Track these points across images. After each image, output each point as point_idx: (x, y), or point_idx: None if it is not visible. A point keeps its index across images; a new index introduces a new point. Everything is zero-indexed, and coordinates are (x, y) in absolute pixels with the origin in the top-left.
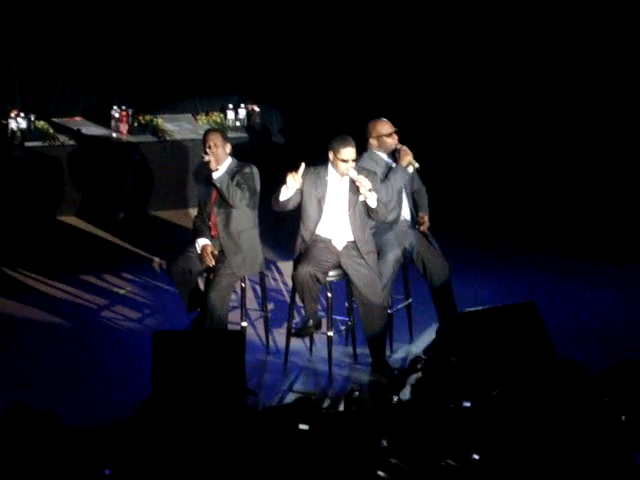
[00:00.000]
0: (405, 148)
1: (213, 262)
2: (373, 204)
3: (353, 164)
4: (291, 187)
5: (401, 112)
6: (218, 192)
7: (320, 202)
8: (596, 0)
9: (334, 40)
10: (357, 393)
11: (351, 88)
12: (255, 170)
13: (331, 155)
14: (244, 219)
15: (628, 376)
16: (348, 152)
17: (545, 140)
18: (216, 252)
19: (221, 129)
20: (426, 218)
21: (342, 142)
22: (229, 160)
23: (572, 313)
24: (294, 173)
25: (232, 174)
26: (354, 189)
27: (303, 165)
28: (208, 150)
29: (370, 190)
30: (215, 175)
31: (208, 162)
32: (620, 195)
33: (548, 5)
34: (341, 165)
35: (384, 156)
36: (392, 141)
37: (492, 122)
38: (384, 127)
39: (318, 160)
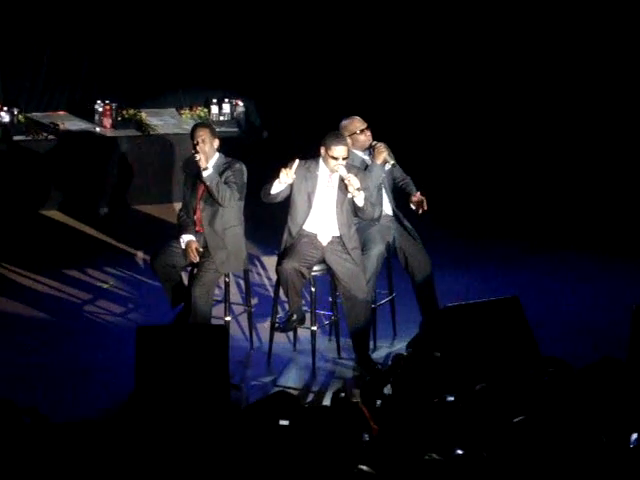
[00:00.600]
0: (380, 145)
1: (197, 259)
2: (360, 203)
3: (344, 162)
4: (283, 182)
5: (385, 107)
6: (207, 190)
7: (310, 196)
8: (596, 0)
9: (319, 34)
10: (343, 394)
11: (336, 83)
12: (243, 167)
13: (323, 150)
14: (230, 216)
15: (609, 373)
16: (339, 150)
17: (528, 134)
18: (200, 249)
19: (209, 123)
20: (419, 196)
21: (335, 139)
22: (217, 155)
23: (555, 308)
24: (288, 169)
25: (221, 171)
26: (343, 186)
27: (297, 161)
28: (196, 146)
29: (358, 189)
30: (205, 174)
31: (198, 160)
32: (605, 190)
33: (547, 5)
34: (331, 162)
35: (360, 153)
36: (365, 138)
37: (476, 116)
38: (355, 124)
39: (301, 154)
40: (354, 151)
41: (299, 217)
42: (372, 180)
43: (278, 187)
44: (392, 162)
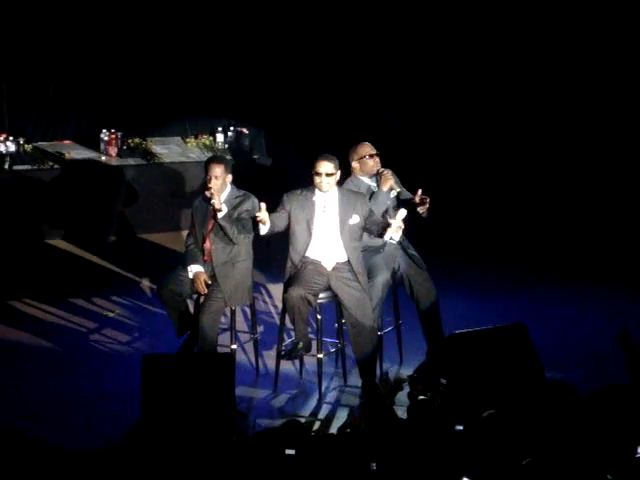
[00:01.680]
0: (386, 172)
1: (206, 290)
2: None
3: (330, 180)
4: (265, 223)
5: (387, 137)
6: (220, 228)
7: (309, 224)
8: (596, 0)
9: (323, 64)
10: (348, 430)
11: (340, 112)
12: (255, 202)
13: (312, 172)
14: (240, 250)
15: (613, 400)
16: (322, 165)
17: (530, 161)
18: (209, 280)
19: (223, 158)
20: (420, 194)
21: (319, 157)
22: (228, 189)
23: (560, 334)
24: (259, 213)
25: (233, 205)
26: (344, 209)
27: (264, 205)
28: (209, 181)
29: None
30: (220, 215)
31: (212, 202)
32: (610, 217)
33: (539, 9)
34: (315, 179)
35: (366, 180)
36: (373, 163)
37: (477, 142)
38: (365, 149)
39: (306, 183)
40: (360, 178)
41: (300, 246)
42: (377, 206)
43: (264, 229)
44: (398, 190)
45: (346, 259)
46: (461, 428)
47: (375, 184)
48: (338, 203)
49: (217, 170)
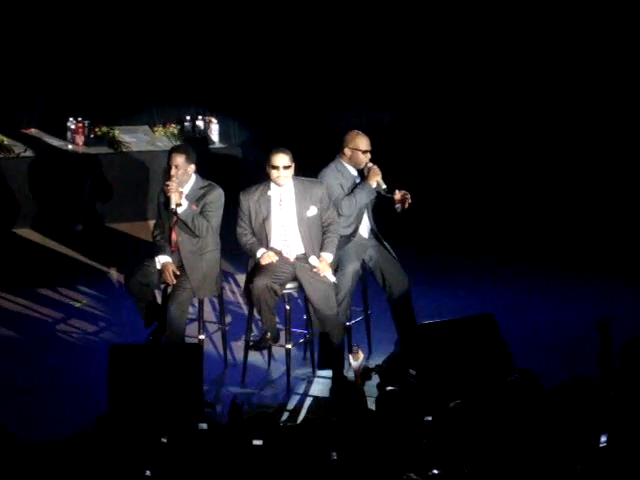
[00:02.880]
0: (375, 167)
1: (174, 281)
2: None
3: (287, 172)
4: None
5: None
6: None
7: (266, 221)
8: (596, 0)
9: (294, 54)
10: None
11: (311, 101)
12: (220, 193)
13: (267, 167)
14: (207, 240)
15: (580, 391)
16: (278, 158)
17: (502, 153)
18: (177, 271)
19: (186, 148)
20: (399, 193)
21: (273, 150)
22: (193, 179)
23: (528, 324)
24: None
25: (197, 196)
26: (300, 201)
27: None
28: (170, 170)
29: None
30: (180, 210)
31: (170, 195)
32: (579, 209)
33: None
34: (273, 173)
35: (351, 170)
36: (364, 158)
37: (454, 136)
38: (362, 142)
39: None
40: (346, 165)
41: (261, 242)
42: (361, 197)
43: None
44: (384, 187)
45: (303, 251)
46: (430, 419)
47: (358, 175)
48: (294, 196)
49: (178, 159)
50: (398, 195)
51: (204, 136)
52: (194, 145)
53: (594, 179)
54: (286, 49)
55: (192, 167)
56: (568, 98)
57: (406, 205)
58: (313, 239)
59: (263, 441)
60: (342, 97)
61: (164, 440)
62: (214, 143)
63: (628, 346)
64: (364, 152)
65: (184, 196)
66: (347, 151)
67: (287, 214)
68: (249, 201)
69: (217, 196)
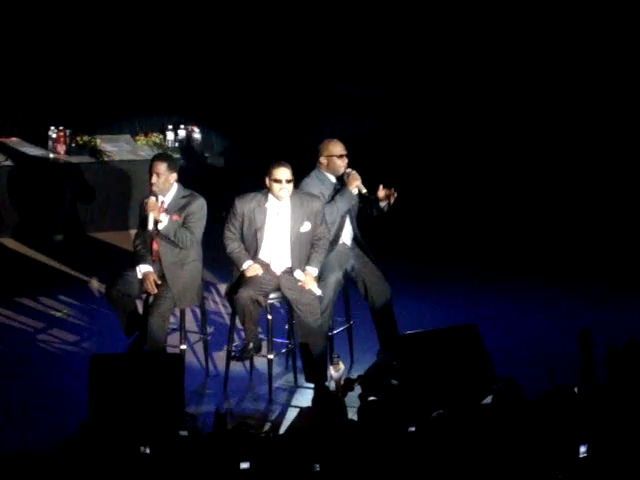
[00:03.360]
0: (354, 172)
1: (155, 290)
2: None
3: (290, 186)
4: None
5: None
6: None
7: (259, 232)
8: (596, 0)
9: (278, 64)
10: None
11: (294, 112)
12: (203, 203)
13: (267, 180)
14: (189, 251)
15: (561, 401)
16: (281, 172)
17: (483, 161)
18: (158, 281)
19: (168, 156)
20: (384, 189)
21: (275, 163)
22: (175, 189)
23: (511, 334)
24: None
25: (179, 206)
26: (296, 216)
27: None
28: (150, 178)
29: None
30: (160, 226)
31: (149, 212)
32: (561, 220)
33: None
34: (275, 186)
35: (331, 177)
36: (341, 163)
37: (437, 148)
38: (336, 148)
39: (257, 182)
40: (325, 174)
41: (250, 252)
42: (342, 204)
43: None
44: (364, 191)
45: (290, 265)
46: (413, 429)
47: (339, 182)
48: (291, 210)
49: (160, 167)
50: (382, 193)
51: (186, 145)
52: (176, 154)
53: (576, 191)
54: (267, 60)
55: (174, 176)
56: (556, 116)
57: (392, 201)
58: (302, 254)
59: (245, 453)
60: (324, 107)
61: (147, 450)
62: (196, 152)
63: (624, 351)
64: (340, 157)
65: (165, 207)
66: (323, 160)
67: (281, 228)
68: (244, 208)
69: (199, 206)
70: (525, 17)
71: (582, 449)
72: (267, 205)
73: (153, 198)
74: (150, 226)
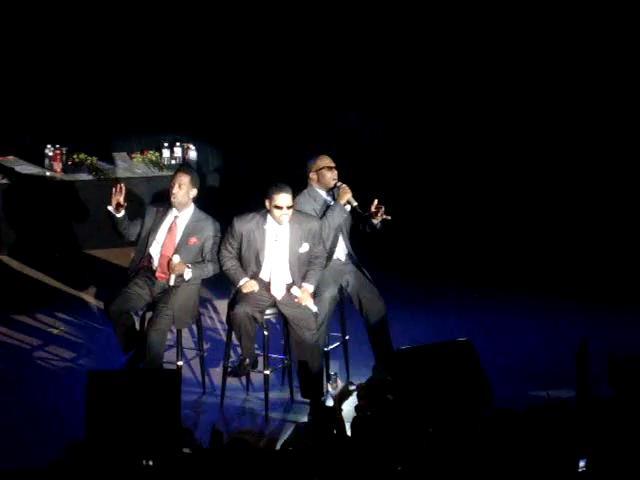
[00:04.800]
0: (345, 186)
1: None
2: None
3: (289, 211)
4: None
5: (340, 154)
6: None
7: (259, 255)
8: (596, 0)
9: (273, 80)
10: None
11: (290, 128)
12: (219, 227)
13: (267, 203)
14: None
15: (555, 417)
16: (282, 198)
17: (478, 176)
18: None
19: (193, 171)
20: (375, 204)
21: (276, 189)
22: (192, 208)
23: (506, 349)
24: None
25: (196, 230)
26: (295, 237)
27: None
28: (172, 188)
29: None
30: (187, 277)
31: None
32: (557, 234)
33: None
34: (276, 212)
35: (323, 193)
36: (331, 175)
37: (427, 158)
38: (324, 161)
39: (253, 200)
40: (317, 190)
41: (248, 272)
42: (334, 219)
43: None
44: (355, 204)
45: (290, 282)
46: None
47: (331, 198)
48: (289, 231)
49: (184, 179)
50: (372, 208)
51: (182, 163)
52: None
53: (572, 206)
54: (262, 78)
55: (194, 191)
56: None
57: (380, 215)
58: (300, 273)
59: (241, 468)
60: (318, 123)
61: (150, 463)
62: (195, 171)
63: (623, 364)
64: (329, 169)
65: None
66: (313, 175)
67: (280, 249)
68: (242, 228)
69: (218, 232)
70: (525, 17)
71: (581, 463)
72: (266, 227)
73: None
74: (172, 282)
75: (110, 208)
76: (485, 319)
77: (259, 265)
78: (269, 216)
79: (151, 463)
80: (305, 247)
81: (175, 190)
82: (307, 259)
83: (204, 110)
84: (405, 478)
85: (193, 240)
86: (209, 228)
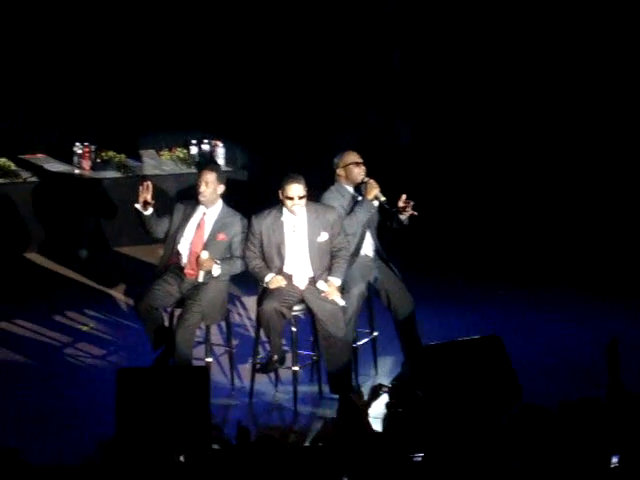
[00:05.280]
0: (372, 181)
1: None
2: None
3: (303, 201)
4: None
5: (365, 148)
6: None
7: (280, 247)
8: (596, 0)
9: (299, 76)
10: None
11: (316, 124)
12: (246, 223)
13: (280, 194)
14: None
15: (587, 412)
16: (293, 189)
17: (504, 170)
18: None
19: (217, 167)
20: (404, 198)
21: (287, 179)
22: (220, 204)
23: (535, 345)
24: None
25: (225, 226)
26: (312, 227)
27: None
28: (199, 187)
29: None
30: (215, 274)
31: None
32: (587, 228)
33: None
34: (288, 203)
35: (350, 189)
36: (359, 171)
37: (456, 154)
38: (351, 157)
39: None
40: (345, 186)
41: (272, 267)
42: (361, 215)
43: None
44: (383, 199)
45: (312, 275)
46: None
47: (358, 194)
48: (307, 221)
49: (210, 177)
50: (400, 203)
51: (209, 160)
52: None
53: (603, 197)
54: (291, 73)
55: (221, 187)
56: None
57: (408, 210)
58: (322, 264)
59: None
60: (347, 118)
61: (181, 459)
62: (220, 166)
63: None
64: (357, 164)
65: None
66: (340, 172)
67: (299, 240)
68: (261, 226)
69: (244, 227)
70: (525, 18)
71: (614, 459)
72: (283, 219)
73: (208, 191)
74: (201, 279)
75: (138, 206)
76: (513, 315)
77: (282, 258)
78: (285, 208)
79: (182, 459)
80: (324, 236)
81: (202, 189)
82: (328, 250)
83: (232, 107)
84: (433, 473)
85: (221, 236)
86: (237, 224)
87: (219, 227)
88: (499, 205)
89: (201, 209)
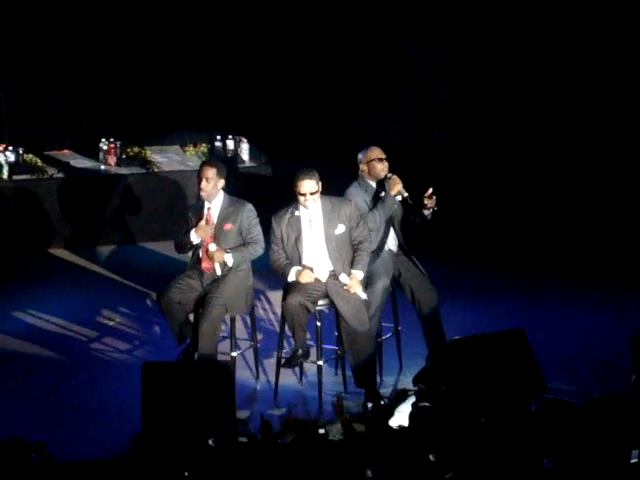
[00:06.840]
0: (395, 177)
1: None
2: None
3: (315, 197)
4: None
5: (389, 144)
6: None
7: (297, 242)
8: (596, 0)
9: (326, 73)
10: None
11: (339, 119)
12: (251, 208)
13: (294, 191)
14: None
15: (611, 407)
16: (304, 185)
17: (531, 163)
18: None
19: (217, 162)
20: (430, 193)
21: (299, 175)
22: (221, 197)
23: (560, 339)
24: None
25: (229, 215)
26: (328, 220)
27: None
28: (199, 183)
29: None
30: (230, 264)
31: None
32: (611, 222)
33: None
34: (300, 198)
35: (373, 184)
36: (382, 166)
37: (475, 146)
38: (374, 152)
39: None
40: (368, 181)
41: (294, 262)
42: (385, 210)
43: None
44: (406, 195)
45: (332, 268)
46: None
47: (381, 189)
48: (322, 214)
49: (209, 173)
50: (426, 199)
51: (234, 155)
52: (225, 164)
53: (619, 188)
54: (318, 69)
55: (222, 182)
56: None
57: (430, 204)
58: (342, 257)
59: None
60: (370, 113)
61: (210, 443)
62: (244, 162)
63: None
64: (380, 160)
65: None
66: (364, 167)
67: (316, 233)
68: (281, 225)
69: (251, 213)
70: (525, 19)
71: (634, 454)
72: (299, 214)
73: (209, 186)
74: (219, 272)
75: (194, 238)
76: (538, 309)
77: (300, 251)
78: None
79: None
80: (341, 229)
81: (203, 184)
82: (347, 242)
83: (256, 103)
84: (457, 469)
85: (228, 226)
86: (241, 211)
87: (224, 217)
88: (520, 199)
89: (205, 205)
